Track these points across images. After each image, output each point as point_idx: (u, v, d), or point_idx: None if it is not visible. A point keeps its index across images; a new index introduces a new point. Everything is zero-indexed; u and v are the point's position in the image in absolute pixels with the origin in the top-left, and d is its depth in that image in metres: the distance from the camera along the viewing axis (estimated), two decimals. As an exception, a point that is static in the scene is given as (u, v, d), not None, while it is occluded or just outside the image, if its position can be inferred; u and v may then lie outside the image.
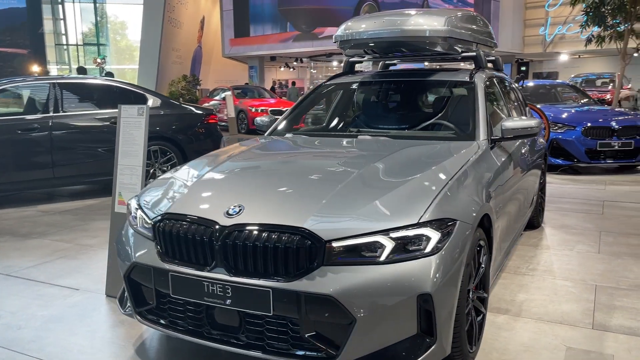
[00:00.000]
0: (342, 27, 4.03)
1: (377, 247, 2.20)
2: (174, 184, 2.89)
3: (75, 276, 4.02)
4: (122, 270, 2.70)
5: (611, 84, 19.70)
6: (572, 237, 4.84)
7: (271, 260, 2.24)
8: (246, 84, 22.51)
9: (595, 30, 13.84)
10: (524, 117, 3.50)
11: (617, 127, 8.18)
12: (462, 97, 3.76)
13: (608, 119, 8.39)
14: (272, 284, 2.22)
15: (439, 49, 3.83)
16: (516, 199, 3.62)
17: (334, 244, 2.20)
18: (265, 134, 4.01)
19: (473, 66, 4.20)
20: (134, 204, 2.87)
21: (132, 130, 3.56)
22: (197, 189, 2.74)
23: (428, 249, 2.20)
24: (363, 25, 3.91)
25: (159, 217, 2.56)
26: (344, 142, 3.51)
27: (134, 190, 3.52)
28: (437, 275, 2.19)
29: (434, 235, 2.22)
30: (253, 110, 17.12)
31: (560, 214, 5.72)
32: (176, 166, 7.33)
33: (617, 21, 13.15)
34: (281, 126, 4.05)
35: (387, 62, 5.05)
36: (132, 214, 2.85)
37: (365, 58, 4.53)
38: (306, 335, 2.23)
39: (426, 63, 6.14)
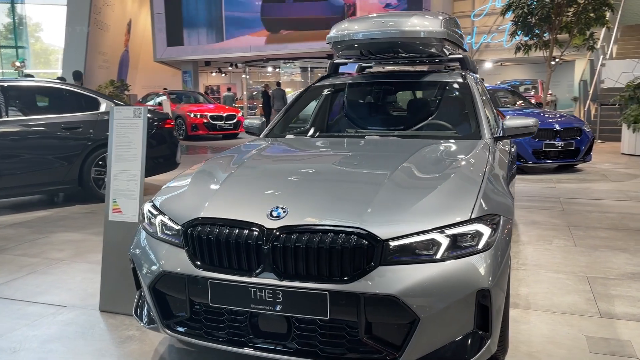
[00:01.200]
0: (336, 28, 4.00)
1: (433, 244, 2.19)
2: (196, 187, 2.74)
3: (55, 292, 3.71)
4: (145, 281, 2.52)
5: (533, 90, 20.95)
6: (546, 232, 5.07)
7: (326, 262, 2.17)
8: (228, 89, 21.57)
9: (520, 39, 14.67)
10: (521, 116, 3.62)
11: (559, 128, 8.69)
12: (458, 97, 3.85)
13: (551, 121, 8.90)
14: (329, 287, 2.16)
15: (433, 50, 3.90)
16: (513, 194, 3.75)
17: (391, 243, 2.16)
18: (261, 136, 3.91)
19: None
20: (149, 209, 2.70)
21: (128, 133, 3.35)
22: (227, 191, 2.61)
23: (480, 245, 2.21)
24: (357, 27, 3.91)
25: (190, 222, 2.41)
26: (357, 143, 3.47)
27: (131, 197, 3.31)
28: (493, 271, 2.21)
29: (486, 231, 2.24)
30: (192, 115, 16.70)
31: (526, 210, 5.99)
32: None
33: (538, 31, 14.00)
34: (277, 128, 3.96)
35: (363, 64, 5.07)
36: (148, 220, 2.67)
37: (351, 60, 4.53)
38: (364, 337, 2.17)
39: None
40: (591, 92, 15.90)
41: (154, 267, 2.48)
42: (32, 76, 17.87)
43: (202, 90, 25.95)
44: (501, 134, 3.59)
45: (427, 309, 2.11)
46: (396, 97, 4.26)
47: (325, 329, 2.23)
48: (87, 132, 6.76)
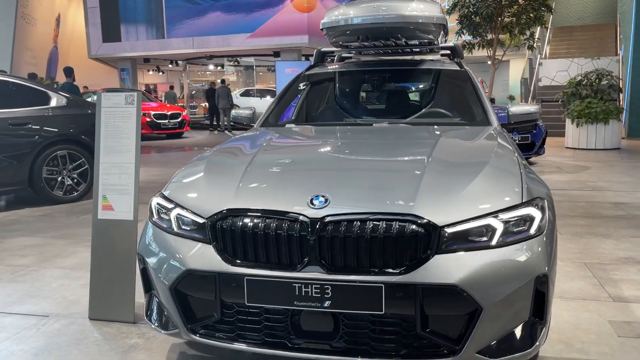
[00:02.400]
0: (330, 13, 3.84)
1: (488, 230, 2.08)
2: (215, 177, 2.50)
3: (31, 301, 3.33)
4: (163, 282, 2.26)
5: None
6: (528, 222, 5.12)
7: (380, 252, 2.01)
8: (171, 87, 20.39)
9: (464, 38, 15.06)
10: (523, 103, 3.60)
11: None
12: (460, 84, 3.79)
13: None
14: (385, 279, 2.00)
15: (431, 36, 3.82)
16: None
17: (447, 230, 2.04)
18: (256, 125, 3.68)
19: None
20: (160, 202, 2.44)
21: (118, 122, 3.04)
22: (255, 179, 2.40)
23: (533, 229, 2.12)
24: (353, 12, 3.76)
25: (218, 215, 2.18)
26: (371, 131, 3.30)
27: (125, 192, 3.01)
28: (548, 255, 2.13)
29: (537, 215, 2.15)
30: (134, 114, 15.96)
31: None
32: (87, 173, 6.57)
33: (481, 30, 14.42)
34: (271, 117, 3.75)
35: (343, 55, 4.93)
36: (158, 215, 2.42)
37: (338, 49, 4.38)
38: (422, 331, 2.03)
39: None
40: (532, 90, 16.56)
41: (174, 266, 2.23)
42: None
43: (141, 89, 24.95)
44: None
45: (490, 298, 1.99)
46: (395, 85, 4.15)
47: (378, 324, 2.07)
48: (37, 129, 6.24)
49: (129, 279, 3.00)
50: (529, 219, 2.14)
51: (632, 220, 5.11)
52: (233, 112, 4.00)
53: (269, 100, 19.08)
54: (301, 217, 2.07)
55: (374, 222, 2.02)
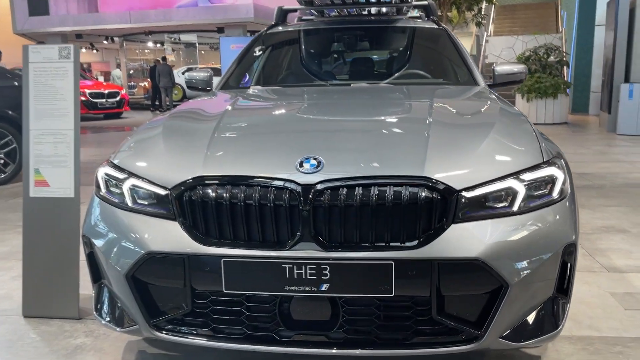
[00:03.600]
0: None
1: (508, 194, 1.77)
2: (176, 140, 2.08)
3: (-50, 298, 2.80)
4: (116, 269, 1.83)
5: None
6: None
7: (387, 224, 1.66)
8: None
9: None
10: (507, 62, 3.33)
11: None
12: (439, 43, 3.46)
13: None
14: (395, 255, 1.66)
15: None
16: None
17: (465, 195, 1.71)
18: (216, 88, 3.23)
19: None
20: (109, 172, 1.99)
21: (52, 80, 2.53)
22: (227, 142, 1.99)
23: (556, 192, 1.83)
24: None
25: (185, 185, 1.77)
26: (352, 91, 2.90)
27: (63, 165, 2.52)
28: (575, 221, 1.86)
29: (560, 175, 1.86)
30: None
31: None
32: (15, 152, 5.86)
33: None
34: (232, 80, 3.31)
35: (304, 17, 4.50)
36: (106, 189, 1.98)
37: (303, 6, 3.95)
38: (438, 316, 1.71)
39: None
40: (480, 66, 16.64)
41: (130, 249, 1.81)
42: None
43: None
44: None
45: (516, 273, 1.69)
46: (369, 44, 3.77)
47: (385, 309, 1.74)
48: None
49: (72, 267, 2.53)
50: (551, 181, 1.84)
51: (600, 190, 5.03)
52: (187, 74, 3.53)
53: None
54: (290, 184, 1.69)
55: (380, 188, 1.67)
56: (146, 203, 1.87)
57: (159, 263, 1.79)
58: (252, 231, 1.72)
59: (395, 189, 1.67)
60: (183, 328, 1.84)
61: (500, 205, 1.76)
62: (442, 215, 1.69)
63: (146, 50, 27.00)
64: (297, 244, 1.69)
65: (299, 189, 1.68)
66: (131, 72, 26.61)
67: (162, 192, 1.82)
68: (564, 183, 1.86)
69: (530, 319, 1.80)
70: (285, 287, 1.70)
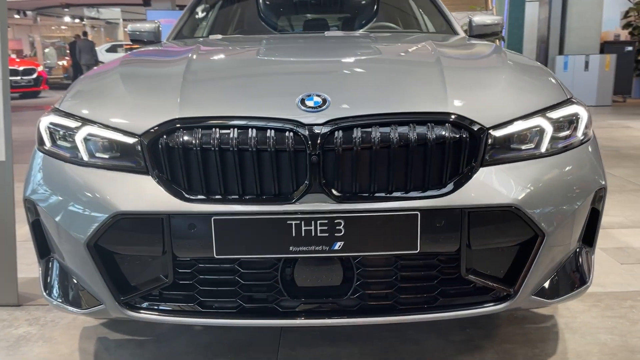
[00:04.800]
0: None
1: (535, 134, 1.57)
2: (138, 85, 1.72)
3: None
4: (77, 237, 1.48)
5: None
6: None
7: (410, 168, 1.41)
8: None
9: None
10: (483, 12, 3.15)
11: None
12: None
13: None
14: (421, 204, 1.41)
15: None
16: None
17: (494, 134, 1.49)
18: (167, 39, 2.83)
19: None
20: (58, 121, 1.61)
21: (-29, 19, 2.08)
22: (201, 86, 1.65)
23: (580, 132, 1.65)
24: None
25: (159, 129, 1.44)
26: (332, 38, 2.57)
27: (-10, 121, 2.08)
28: (602, 164, 1.69)
29: (584, 114, 1.67)
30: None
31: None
32: None
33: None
34: (186, 30, 2.92)
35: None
36: (52, 142, 1.61)
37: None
38: (467, 274, 1.49)
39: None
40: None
41: (90, 213, 1.46)
42: None
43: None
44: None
45: (552, 220, 1.50)
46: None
47: (406, 269, 1.50)
48: None
49: (8, 245, 2.12)
50: (576, 120, 1.65)
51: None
52: (129, 26, 3.09)
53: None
54: (293, 126, 1.40)
55: (400, 127, 1.41)
56: (106, 156, 1.52)
57: (129, 227, 1.45)
58: (248, 183, 1.41)
59: (419, 127, 1.42)
60: (161, 304, 1.52)
61: (526, 146, 1.55)
62: (470, 158, 1.46)
63: (63, 27, 25.21)
64: (304, 195, 1.40)
65: (304, 130, 1.39)
66: (47, 50, 24.82)
67: (130, 140, 1.47)
68: (587, 121, 1.68)
69: (561, 273, 1.62)
70: (291, 248, 1.41)
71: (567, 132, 1.62)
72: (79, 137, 1.55)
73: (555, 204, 1.51)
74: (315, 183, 1.40)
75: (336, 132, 1.39)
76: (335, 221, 1.40)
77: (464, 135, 1.44)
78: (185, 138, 1.41)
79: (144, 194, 1.44)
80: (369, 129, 1.40)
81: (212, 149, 1.39)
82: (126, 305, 1.51)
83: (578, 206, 1.55)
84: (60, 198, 1.54)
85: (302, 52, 2.18)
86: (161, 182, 1.43)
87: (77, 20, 22.78)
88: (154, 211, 1.42)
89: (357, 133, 1.39)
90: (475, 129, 1.45)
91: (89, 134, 1.54)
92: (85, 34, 17.12)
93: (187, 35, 2.86)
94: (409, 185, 1.42)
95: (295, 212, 1.40)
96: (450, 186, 1.43)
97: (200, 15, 3.11)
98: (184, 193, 1.42)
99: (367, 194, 1.42)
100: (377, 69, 1.80)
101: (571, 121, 1.64)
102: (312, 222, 1.40)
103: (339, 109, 1.45)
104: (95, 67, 2.09)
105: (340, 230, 1.40)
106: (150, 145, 1.44)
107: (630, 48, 10.07)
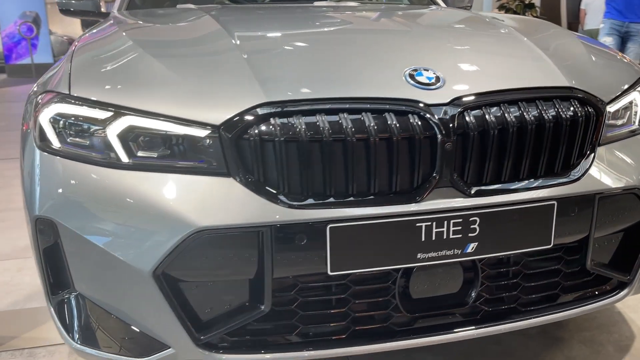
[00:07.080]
0: None
1: (627, 109, 1.46)
2: (180, 63, 1.34)
3: None
4: (134, 265, 1.11)
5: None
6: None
7: (545, 152, 1.23)
8: None
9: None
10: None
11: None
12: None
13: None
14: (556, 192, 1.24)
15: None
16: None
17: (609, 110, 1.37)
18: (116, 10, 2.30)
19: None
20: (75, 111, 1.21)
21: None
22: (275, 58, 1.33)
23: None
24: None
25: (246, 117, 1.12)
26: (329, 12, 2.23)
27: None
28: None
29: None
30: None
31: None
32: None
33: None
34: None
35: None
36: (66, 139, 1.21)
37: None
38: (592, 265, 1.35)
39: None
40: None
41: (158, 230, 1.11)
42: None
43: None
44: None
45: None
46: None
47: (532, 266, 1.32)
48: None
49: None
50: None
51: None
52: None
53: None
54: (415, 107, 1.15)
55: (526, 105, 1.22)
56: (154, 155, 1.16)
57: (211, 246, 1.12)
58: (363, 180, 1.14)
59: (547, 105, 1.24)
60: (251, 339, 1.20)
61: (621, 121, 1.44)
62: (592, 137, 1.31)
63: None
64: (432, 191, 1.17)
65: (432, 113, 1.15)
66: None
67: (201, 132, 1.13)
68: None
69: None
70: (419, 255, 1.17)
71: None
72: (112, 131, 1.17)
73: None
74: (446, 175, 1.16)
75: (466, 114, 1.17)
76: (470, 219, 1.18)
77: (590, 111, 1.28)
78: (283, 128, 1.10)
79: (229, 201, 1.11)
80: (498, 109, 1.20)
81: (323, 139, 1.10)
82: (207, 347, 1.17)
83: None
84: (98, 215, 1.16)
85: (350, 23, 1.88)
86: (250, 185, 1.12)
87: None
88: (249, 224, 1.10)
89: (489, 113, 1.18)
90: (597, 105, 1.30)
91: (131, 127, 1.16)
92: None
93: (140, 4, 2.39)
94: (540, 171, 1.24)
95: (425, 212, 1.15)
96: (580, 170, 1.28)
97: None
98: (284, 198, 1.12)
99: (499, 186, 1.21)
100: (464, 42, 1.57)
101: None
102: (445, 222, 1.16)
103: (457, 85, 1.22)
104: (87, 35, 1.65)
105: (474, 230, 1.19)
106: (235, 139, 1.11)
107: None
